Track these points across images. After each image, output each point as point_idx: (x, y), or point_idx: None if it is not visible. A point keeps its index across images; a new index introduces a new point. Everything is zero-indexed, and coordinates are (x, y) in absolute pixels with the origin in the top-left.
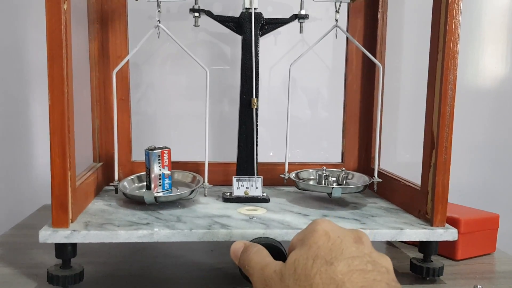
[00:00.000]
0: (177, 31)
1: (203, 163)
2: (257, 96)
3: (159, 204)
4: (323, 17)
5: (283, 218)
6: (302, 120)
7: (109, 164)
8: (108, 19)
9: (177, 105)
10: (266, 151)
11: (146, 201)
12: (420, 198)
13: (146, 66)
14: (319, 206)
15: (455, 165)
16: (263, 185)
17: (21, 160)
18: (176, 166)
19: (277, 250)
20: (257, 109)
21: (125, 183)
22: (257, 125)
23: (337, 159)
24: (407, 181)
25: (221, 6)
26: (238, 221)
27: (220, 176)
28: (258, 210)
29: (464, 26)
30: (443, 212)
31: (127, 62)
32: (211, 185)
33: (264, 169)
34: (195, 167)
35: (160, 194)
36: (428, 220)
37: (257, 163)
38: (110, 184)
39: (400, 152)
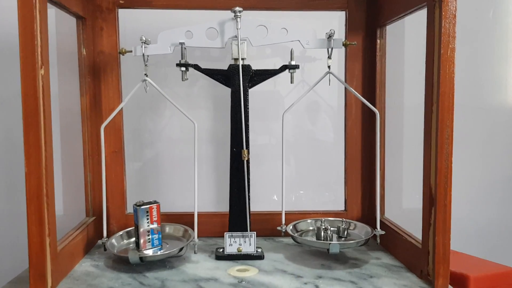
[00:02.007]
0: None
1: (199, 215)
2: (247, 148)
3: (146, 264)
4: (324, 57)
5: (274, 282)
6: (307, 163)
7: (100, 216)
8: (100, 72)
9: (178, 153)
10: (270, 195)
11: (131, 261)
12: (422, 257)
13: (145, 115)
14: (316, 264)
15: (471, 200)
16: (261, 236)
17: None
18: (172, 218)
19: None
20: (248, 161)
21: (114, 241)
22: (248, 178)
23: (340, 206)
24: (410, 236)
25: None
26: (225, 286)
27: (217, 228)
28: (250, 271)
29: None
30: (445, 275)
31: (121, 114)
32: (199, 241)
33: (262, 220)
34: (191, 219)
35: (150, 252)
36: (431, 282)
37: (250, 217)
38: (99, 241)
39: (406, 197)
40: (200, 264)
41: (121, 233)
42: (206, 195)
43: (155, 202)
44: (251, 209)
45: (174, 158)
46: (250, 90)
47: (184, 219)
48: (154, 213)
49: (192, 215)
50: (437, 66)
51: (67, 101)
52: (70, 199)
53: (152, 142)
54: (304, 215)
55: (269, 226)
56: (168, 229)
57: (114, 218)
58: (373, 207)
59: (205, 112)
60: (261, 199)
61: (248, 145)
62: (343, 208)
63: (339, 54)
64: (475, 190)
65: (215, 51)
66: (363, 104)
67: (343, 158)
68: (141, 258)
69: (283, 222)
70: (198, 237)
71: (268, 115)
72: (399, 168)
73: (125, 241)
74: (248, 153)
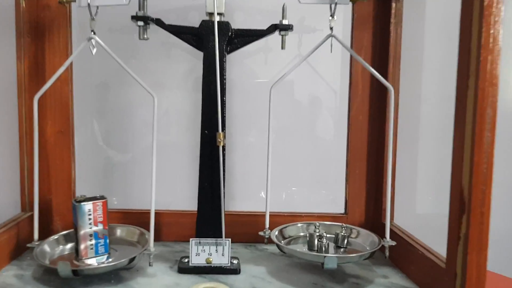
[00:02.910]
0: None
1: (165, 214)
2: (223, 130)
3: (83, 278)
4: (325, 27)
5: None
6: (302, 154)
7: (43, 213)
8: (44, 30)
9: (147, 139)
10: (256, 192)
11: (60, 275)
12: (445, 280)
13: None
14: (307, 283)
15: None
16: (241, 243)
17: None
18: (130, 217)
19: None
20: (223, 148)
21: (46, 246)
22: (224, 169)
23: (340, 208)
24: (429, 251)
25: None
26: None
27: (188, 230)
28: None
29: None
30: None
31: (70, 85)
32: (162, 247)
33: (243, 222)
34: (155, 218)
35: (92, 262)
36: None
37: (224, 219)
38: (28, 245)
39: (421, 200)
40: (156, 279)
41: (56, 236)
42: (179, 190)
43: (101, 197)
44: (229, 209)
45: (140, 144)
46: (231, 58)
47: (145, 218)
48: (99, 211)
49: (157, 214)
50: (477, 22)
51: None
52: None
53: (114, 123)
54: (294, 217)
55: (251, 230)
56: (120, 232)
57: (59, 214)
58: (379, 210)
59: (184, 93)
60: (245, 197)
61: (224, 126)
62: (343, 211)
63: (344, 20)
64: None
65: (194, 15)
66: (372, 84)
67: (345, 149)
68: (74, 272)
69: (267, 225)
70: (163, 241)
71: (256, 93)
72: (412, 163)
73: (61, 246)
74: (224, 137)
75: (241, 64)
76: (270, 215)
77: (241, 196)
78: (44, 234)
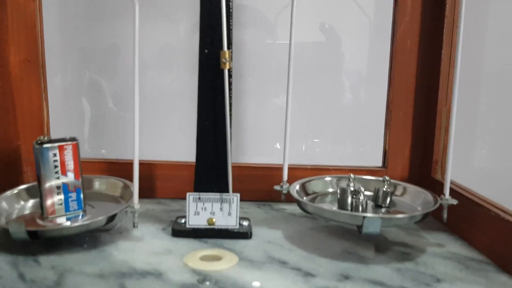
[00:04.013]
0: None
1: (161, 165)
2: (229, 48)
3: (47, 242)
4: None
5: (262, 284)
6: (325, 100)
7: (9, 163)
8: None
9: (149, 79)
10: (271, 144)
11: (13, 237)
12: None
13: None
14: (338, 253)
15: None
16: (252, 201)
17: None
18: (117, 169)
19: None
20: (230, 72)
21: (4, 202)
22: (230, 102)
23: (377, 161)
24: (504, 210)
25: None
26: None
27: (188, 186)
28: (222, 261)
29: None
30: None
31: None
32: (156, 206)
33: (255, 176)
34: (147, 172)
35: (61, 221)
36: None
37: (230, 167)
38: None
39: (481, 152)
40: (142, 244)
41: (16, 190)
42: (180, 141)
43: (71, 139)
44: (238, 160)
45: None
46: None
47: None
48: (68, 156)
49: (150, 165)
50: None
51: None
52: None
53: (97, 45)
54: (320, 171)
55: (265, 187)
56: (99, 184)
57: (29, 164)
58: (429, 162)
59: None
60: (258, 151)
61: (231, 43)
62: (380, 164)
63: None
64: None
65: None
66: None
67: (386, 85)
68: (32, 233)
69: (285, 177)
70: (158, 198)
71: (271, 26)
72: (472, 105)
73: (22, 202)
74: (231, 57)
75: None
76: (289, 168)
77: (252, 150)
78: (12, 181)
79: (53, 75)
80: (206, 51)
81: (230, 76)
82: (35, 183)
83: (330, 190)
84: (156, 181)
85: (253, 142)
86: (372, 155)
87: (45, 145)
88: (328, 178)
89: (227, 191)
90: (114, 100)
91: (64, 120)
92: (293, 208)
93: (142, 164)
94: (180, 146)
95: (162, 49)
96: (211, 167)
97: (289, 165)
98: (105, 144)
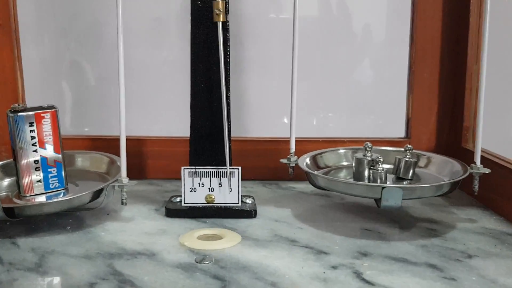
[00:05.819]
0: None
1: (152, 141)
2: None
3: (25, 222)
4: None
5: (271, 264)
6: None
7: None
8: None
9: (140, 51)
10: (276, 119)
11: None
12: None
13: None
14: (355, 230)
15: None
16: (256, 180)
17: None
18: (99, 144)
19: None
20: (225, 25)
21: None
22: (228, 60)
23: (399, 132)
24: None
25: None
26: (166, 272)
27: (181, 164)
28: (223, 240)
29: None
30: None
31: None
32: (149, 186)
33: (260, 151)
34: (134, 146)
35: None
36: None
37: (230, 138)
38: None
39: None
40: (133, 225)
41: None
42: (173, 115)
43: (49, 107)
44: (238, 134)
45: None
46: None
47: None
48: (47, 127)
49: (140, 141)
50: None
51: None
52: None
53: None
54: (333, 144)
55: (271, 164)
56: (82, 161)
57: (3, 143)
58: (458, 131)
59: None
60: (262, 127)
61: None
62: (403, 134)
63: None
64: None
65: None
66: None
67: (408, 45)
68: (8, 211)
69: (292, 148)
70: (149, 178)
71: None
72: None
73: None
74: (227, 10)
75: None
76: (298, 140)
77: (256, 126)
78: None
79: (28, 46)
80: (198, 2)
81: (225, 30)
82: (11, 160)
83: (345, 163)
84: (147, 159)
85: (257, 118)
86: (393, 125)
87: (20, 114)
88: (342, 151)
89: (225, 164)
90: (98, 71)
91: (41, 94)
92: (303, 186)
93: (130, 140)
94: (174, 120)
95: (152, 18)
96: (207, 135)
97: (298, 138)
98: (89, 121)
